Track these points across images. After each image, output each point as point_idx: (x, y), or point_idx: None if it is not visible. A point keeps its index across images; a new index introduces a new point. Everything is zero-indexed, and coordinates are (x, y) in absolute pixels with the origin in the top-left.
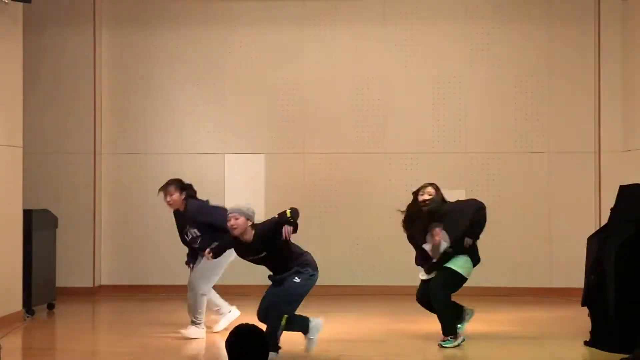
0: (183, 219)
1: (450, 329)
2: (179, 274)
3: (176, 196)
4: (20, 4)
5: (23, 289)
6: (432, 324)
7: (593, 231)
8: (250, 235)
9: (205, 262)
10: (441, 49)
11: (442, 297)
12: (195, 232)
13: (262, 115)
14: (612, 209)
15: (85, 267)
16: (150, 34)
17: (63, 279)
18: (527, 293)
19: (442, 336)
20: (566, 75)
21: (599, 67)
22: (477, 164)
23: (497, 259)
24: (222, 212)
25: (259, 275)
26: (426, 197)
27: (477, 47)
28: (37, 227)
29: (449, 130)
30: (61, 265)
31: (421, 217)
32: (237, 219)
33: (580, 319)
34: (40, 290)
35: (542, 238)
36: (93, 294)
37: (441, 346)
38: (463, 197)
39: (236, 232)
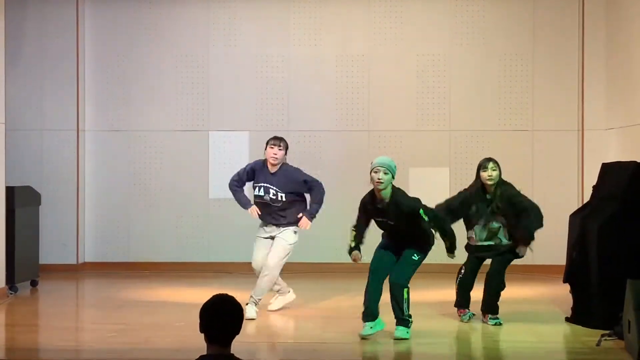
0: (269, 178)
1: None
2: (163, 251)
3: (282, 153)
4: None
5: (6, 266)
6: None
7: (575, 209)
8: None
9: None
10: (426, 27)
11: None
12: (282, 196)
13: (246, 92)
14: (594, 187)
15: (69, 244)
16: (134, 11)
17: (46, 256)
18: (509, 270)
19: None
20: (550, 54)
21: (582, 46)
22: (461, 142)
23: None
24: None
25: (242, 253)
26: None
27: (461, 25)
28: (20, 204)
29: (433, 108)
30: (44, 242)
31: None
32: (386, 173)
33: (562, 295)
34: (23, 267)
35: None
36: (77, 271)
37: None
38: (447, 176)
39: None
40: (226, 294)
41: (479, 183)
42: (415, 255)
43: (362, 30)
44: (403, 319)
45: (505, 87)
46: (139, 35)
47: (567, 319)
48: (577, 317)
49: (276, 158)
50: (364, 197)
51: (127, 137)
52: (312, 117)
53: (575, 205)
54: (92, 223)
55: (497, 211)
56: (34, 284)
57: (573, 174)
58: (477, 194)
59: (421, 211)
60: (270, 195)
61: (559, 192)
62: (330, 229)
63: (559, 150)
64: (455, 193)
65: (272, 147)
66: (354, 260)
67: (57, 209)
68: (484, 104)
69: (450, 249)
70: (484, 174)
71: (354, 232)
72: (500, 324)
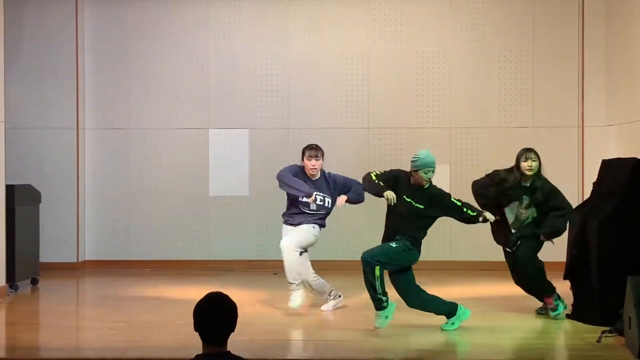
0: (314, 185)
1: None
2: (164, 249)
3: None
4: None
5: (6, 264)
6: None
7: (576, 205)
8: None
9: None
10: (426, 25)
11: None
12: (329, 201)
13: (246, 90)
14: (594, 183)
15: (69, 243)
16: (134, 8)
17: (47, 255)
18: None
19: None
20: (550, 50)
21: (582, 43)
22: (461, 139)
23: (481, 234)
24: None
25: (242, 250)
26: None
27: (461, 22)
28: (20, 202)
29: (433, 105)
30: (44, 240)
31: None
32: (433, 172)
33: (562, 292)
34: (24, 266)
35: None
36: (77, 269)
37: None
38: (447, 173)
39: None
40: (219, 292)
41: (516, 172)
42: (393, 242)
43: (362, 28)
44: (377, 298)
45: (505, 83)
46: (139, 34)
47: (568, 316)
48: (578, 313)
49: (316, 169)
50: (401, 171)
51: (127, 135)
52: (312, 115)
53: (575, 202)
54: (93, 221)
55: (538, 201)
56: (34, 282)
57: (573, 170)
58: (514, 181)
59: (452, 198)
60: (318, 202)
61: (559, 189)
62: (330, 227)
63: (559, 146)
64: (455, 190)
65: (309, 159)
66: (390, 199)
67: (57, 207)
68: (484, 101)
69: (479, 218)
70: (524, 164)
71: (376, 179)
72: (558, 314)
